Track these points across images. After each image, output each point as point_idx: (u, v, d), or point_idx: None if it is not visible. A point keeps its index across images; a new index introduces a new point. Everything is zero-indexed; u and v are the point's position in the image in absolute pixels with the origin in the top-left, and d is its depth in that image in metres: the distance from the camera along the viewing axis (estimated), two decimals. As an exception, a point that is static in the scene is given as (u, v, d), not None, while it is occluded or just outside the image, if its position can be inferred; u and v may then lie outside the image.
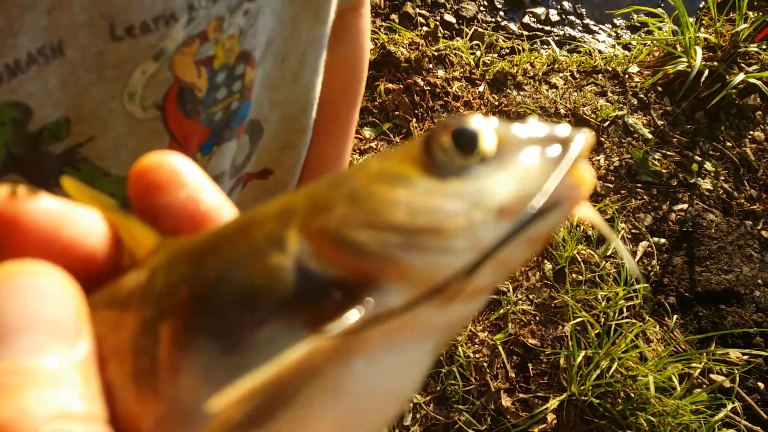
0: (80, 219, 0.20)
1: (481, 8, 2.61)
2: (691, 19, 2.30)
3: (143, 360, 0.17)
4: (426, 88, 2.16)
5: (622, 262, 1.85)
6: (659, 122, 2.26)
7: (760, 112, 2.35)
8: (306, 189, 0.20)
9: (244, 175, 0.71)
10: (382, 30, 2.33)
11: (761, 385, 1.77)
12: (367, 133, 2.05)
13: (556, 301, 1.78)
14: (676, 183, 2.13)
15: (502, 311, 1.75)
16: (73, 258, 0.20)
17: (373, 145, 2.03)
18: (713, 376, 1.76)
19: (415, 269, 0.17)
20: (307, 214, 0.18)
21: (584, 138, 0.20)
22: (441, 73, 2.22)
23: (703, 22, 2.49)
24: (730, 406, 1.64)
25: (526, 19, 2.63)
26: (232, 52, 0.54)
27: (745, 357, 1.80)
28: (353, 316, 0.16)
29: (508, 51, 2.42)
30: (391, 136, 2.06)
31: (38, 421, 0.15)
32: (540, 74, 2.30)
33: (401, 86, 2.14)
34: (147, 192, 0.22)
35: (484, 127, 0.20)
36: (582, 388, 1.62)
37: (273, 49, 0.59)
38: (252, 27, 0.54)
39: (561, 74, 2.34)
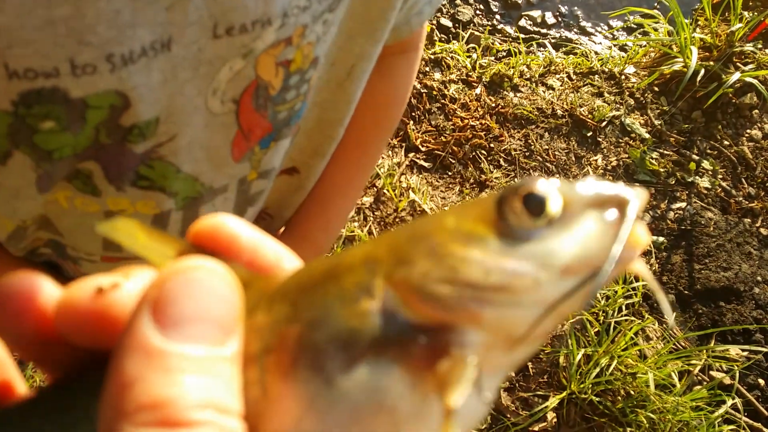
0: None
1: (477, 12, 2.62)
2: (686, 20, 2.31)
3: (253, 388, 0.19)
4: (423, 91, 2.17)
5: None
6: (656, 122, 2.26)
7: (756, 111, 2.36)
8: (386, 240, 0.22)
9: None
10: (378, 34, 2.34)
11: (761, 381, 1.77)
12: (365, 136, 2.06)
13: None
14: (674, 182, 2.14)
15: (501, 311, 1.75)
16: None
17: (370, 147, 2.04)
18: (713, 373, 1.75)
19: (488, 319, 0.20)
20: (391, 266, 0.21)
21: (640, 200, 0.22)
22: (438, 76, 2.23)
23: (699, 22, 2.50)
24: (730, 403, 1.64)
25: (522, 22, 2.64)
26: (307, 58, 0.57)
27: (745, 354, 1.79)
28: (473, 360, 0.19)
29: (504, 54, 2.43)
30: (389, 139, 2.07)
31: (190, 405, 0.17)
32: (536, 76, 2.31)
33: (398, 89, 2.15)
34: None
35: (551, 191, 0.21)
36: (582, 386, 1.62)
37: (326, 52, 0.61)
38: (325, 35, 0.57)
39: (557, 76, 2.35)
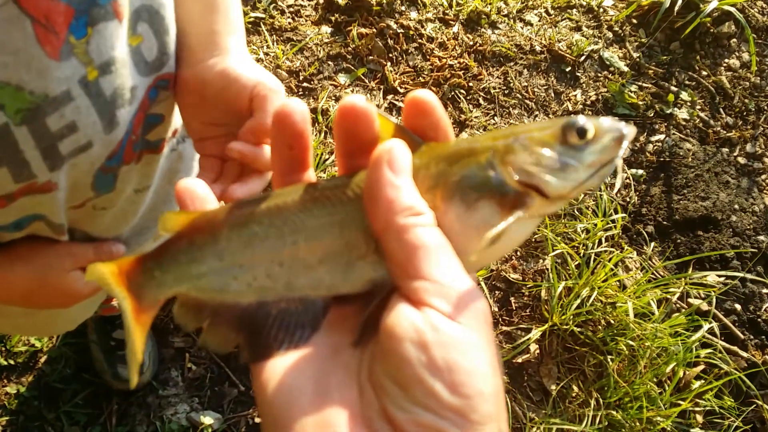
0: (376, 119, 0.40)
1: (453, -53, 2.56)
2: (664, -52, 2.27)
3: (428, 198, 0.38)
4: (399, 31, 2.14)
5: (602, 193, 1.88)
6: (635, 54, 2.25)
7: (734, 40, 2.35)
8: (499, 138, 0.39)
9: (164, 74, 0.69)
10: (352, -26, 2.29)
11: (738, 306, 1.81)
12: (342, 79, 2.03)
13: (536, 236, 1.80)
14: (652, 114, 2.14)
15: (483, 248, 1.77)
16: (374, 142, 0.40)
17: (348, 91, 2.02)
18: (691, 300, 1.80)
19: (550, 186, 0.38)
20: (504, 154, 0.38)
21: (631, 129, 0.39)
22: (414, 15, 2.20)
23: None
24: (706, 327, 1.68)
25: (499, -43, 2.59)
26: None
27: (722, 280, 1.84)
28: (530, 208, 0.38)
29: (481, -10, 2.39)
30: (366, 81, 2.05)
31: (424, 207, 0.37)
32: (514, 12, 2.28)
33: (374, 30, 2.12)
34: (414, 116, 0.41)
35: (590, 125, 0.38)
36: (563, 317, 1.66)
37: None
38: None
39: (535, 11, 2.32)
